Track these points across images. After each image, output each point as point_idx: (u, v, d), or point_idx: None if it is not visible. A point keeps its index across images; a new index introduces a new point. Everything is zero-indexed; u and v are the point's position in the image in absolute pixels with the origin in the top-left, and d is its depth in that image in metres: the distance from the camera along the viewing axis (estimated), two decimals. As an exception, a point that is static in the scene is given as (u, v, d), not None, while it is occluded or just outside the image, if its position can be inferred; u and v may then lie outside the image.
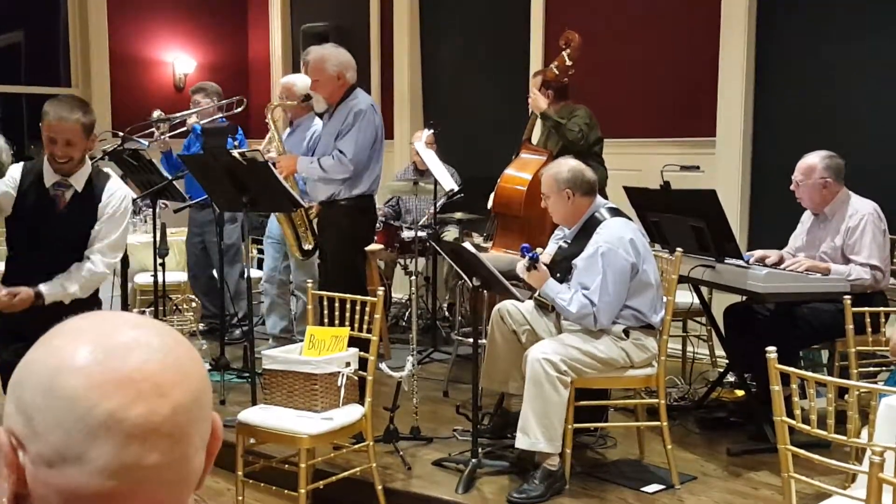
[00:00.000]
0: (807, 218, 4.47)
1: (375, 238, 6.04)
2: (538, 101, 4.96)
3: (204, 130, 5.49)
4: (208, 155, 4.45)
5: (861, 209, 4.18)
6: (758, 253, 4.37)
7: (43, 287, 3.37)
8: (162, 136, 5.84)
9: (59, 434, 0.77)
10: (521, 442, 3.58)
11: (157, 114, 5.87)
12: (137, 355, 0.80)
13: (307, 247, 4.94)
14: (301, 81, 4.85)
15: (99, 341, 0.80)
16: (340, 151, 4.47)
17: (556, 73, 4.93)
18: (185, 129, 6.00)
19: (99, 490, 0.77)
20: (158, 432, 0.79)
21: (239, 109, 5.92)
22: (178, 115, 5.92)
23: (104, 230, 3.49)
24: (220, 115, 5.99)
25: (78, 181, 3.48)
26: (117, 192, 3.54)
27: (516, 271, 3.77)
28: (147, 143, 5.48)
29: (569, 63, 4.89)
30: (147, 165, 5.09)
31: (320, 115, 5.00)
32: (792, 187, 4.34)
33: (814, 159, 4.26)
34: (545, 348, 3.60)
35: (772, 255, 4.31)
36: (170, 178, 5.05)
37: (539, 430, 3.53)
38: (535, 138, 5.28)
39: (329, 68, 4.59)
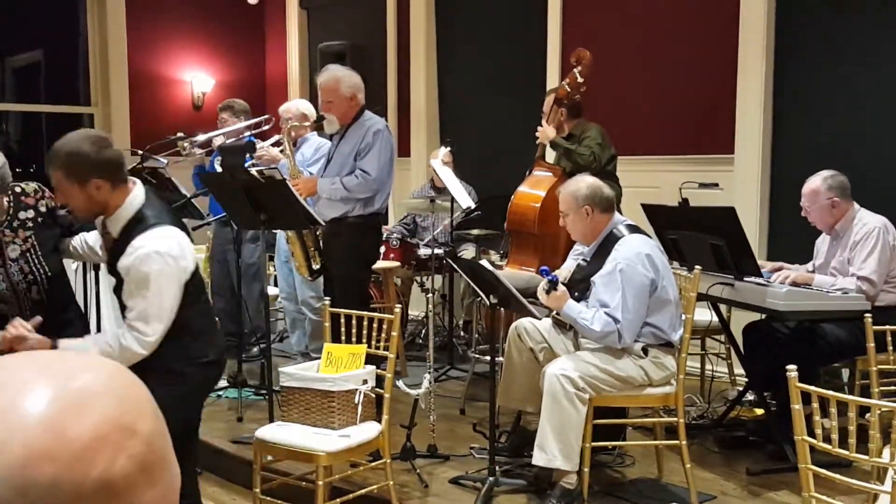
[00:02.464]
0: (821, 241, 4.47)
1: (392, 255, 6.06)
2: (546, 132, 4.97)
3: (221, 148, 5.50)
4: (226, 173, 4.48)
5: (869, 223, 4.19)
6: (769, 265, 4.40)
7: (64, 342, 2.84)
8: (195, 151, 5.84)
9: None
10: (539, 459, 3.56)
11: (180, 135, 5.85)
12: (96, 407, 0.72)
13: (315, 266, 4.95)
14: (302, 102, 5.07)
15: (54, 391, 0.71)
16: (364, 171, 4.52)
17: (568, 90, 4.93)
18: (210, 147, 5.99)
19: None
20: (146, 466, 0.77)
21: (267, 128, 5.91)
22: (207, 135, 5.89)
23: (127, 292, 2.80)
24: (249, 133, 5.93)
25: (114, 225, 2.86)
26: (140, 251, 2.75)
27: (537, 294, 3.75)
28: (166, 161, 5.49)
29: (580, 80, 4.89)
30: (165, 183, 5.11)
31: (330, 137, 5.03)
32: (803, 213, 4.34)
33: (816, 182, 4.27)
34: (563, 365, 3.59)
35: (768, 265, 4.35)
36: (188, 196, 5.07)
37: (556, 447, 3.51)
38: (549, 156, 5.28)
39: (343, 89, 4.63)
